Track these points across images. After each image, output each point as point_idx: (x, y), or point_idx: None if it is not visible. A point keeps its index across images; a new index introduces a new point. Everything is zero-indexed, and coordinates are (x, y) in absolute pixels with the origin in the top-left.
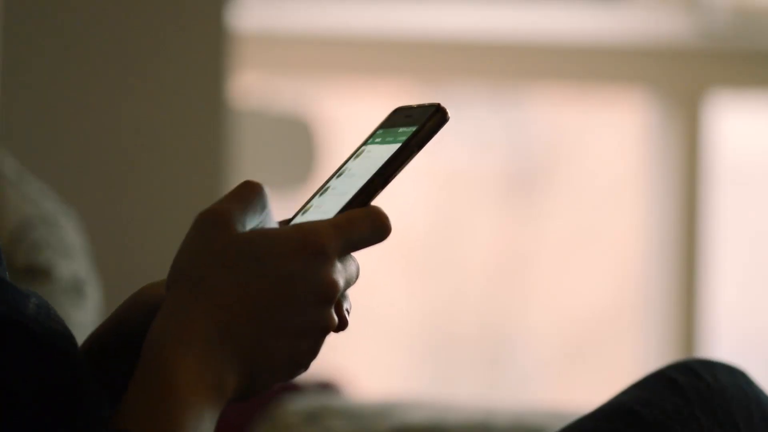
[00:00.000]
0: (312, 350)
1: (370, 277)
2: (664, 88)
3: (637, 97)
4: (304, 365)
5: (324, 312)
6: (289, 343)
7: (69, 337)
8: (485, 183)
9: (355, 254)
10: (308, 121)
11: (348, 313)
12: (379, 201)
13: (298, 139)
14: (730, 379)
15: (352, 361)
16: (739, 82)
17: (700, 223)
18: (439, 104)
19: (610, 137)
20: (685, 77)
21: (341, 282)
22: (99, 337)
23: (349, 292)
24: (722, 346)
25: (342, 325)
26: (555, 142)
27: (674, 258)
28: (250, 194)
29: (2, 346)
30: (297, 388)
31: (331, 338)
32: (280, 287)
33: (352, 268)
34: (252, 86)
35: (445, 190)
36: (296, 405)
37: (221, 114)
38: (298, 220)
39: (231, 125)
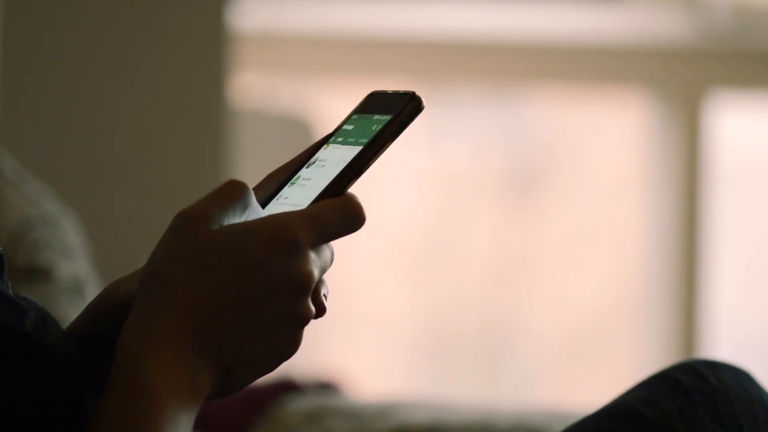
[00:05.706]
0: (291, 341)
1: (371, 278)
2: (664, 88)
3: (637, 97)
4: (284, 357)
5: (300, 303)
6: (264, 337)
7: (67, 349)
8: (485, 183)
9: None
10: (308, 121)
11: (326, 298)
12: (376, 197)
13: (298, 139)
14: (734, 380)
15: (352, 361)
16: (739, 82)
17: (700, 223)
18: (414, 92)
19: (610, 137)
20: (685, 77)
21: (316, 272)
22: (73, 333)
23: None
24: (722, 346)
25: (320, 312)
26: (555, 142)
27: (674, 258)
28: (232, 194)
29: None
30: (297, 388)
31: (331, 338)
32: (252, 281)
33: (326, 255)
34: (252, 86)
35: (445, 191)
36: (296, 405)
37: (221, 114)
38: (280, 201)
39: (231, 125)
